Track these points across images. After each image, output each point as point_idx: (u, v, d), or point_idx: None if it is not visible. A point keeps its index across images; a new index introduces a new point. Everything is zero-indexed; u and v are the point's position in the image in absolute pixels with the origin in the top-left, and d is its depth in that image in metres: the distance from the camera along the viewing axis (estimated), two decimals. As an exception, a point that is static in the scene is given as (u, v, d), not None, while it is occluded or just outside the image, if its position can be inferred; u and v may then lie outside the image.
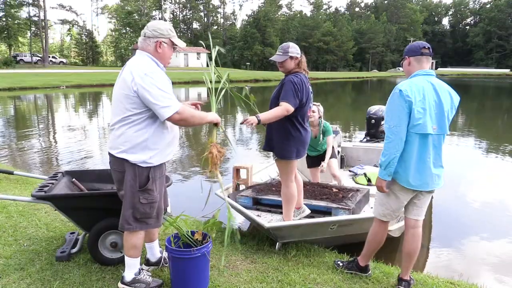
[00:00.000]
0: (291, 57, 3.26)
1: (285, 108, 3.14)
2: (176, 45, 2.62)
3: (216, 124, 2.69)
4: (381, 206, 2.83)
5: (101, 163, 7.60)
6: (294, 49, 3.28)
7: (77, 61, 69.97)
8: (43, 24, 49.98)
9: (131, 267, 2.65)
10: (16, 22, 49.20)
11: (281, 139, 3.32)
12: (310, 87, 3.38)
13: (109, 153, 2.58)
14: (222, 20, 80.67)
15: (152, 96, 2.36)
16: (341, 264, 3.16)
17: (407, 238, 2.84)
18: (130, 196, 2.54)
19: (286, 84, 3.22)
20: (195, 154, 8.80)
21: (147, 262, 3.00)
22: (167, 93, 2.40)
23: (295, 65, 3.30)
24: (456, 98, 2.71)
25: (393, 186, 2.73)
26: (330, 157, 4.95)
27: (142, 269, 2.80)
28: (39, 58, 49.66)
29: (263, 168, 5.48)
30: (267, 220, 3.83)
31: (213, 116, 2.65)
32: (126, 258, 2.65)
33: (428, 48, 2.69)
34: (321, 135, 4.88)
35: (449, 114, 2.67)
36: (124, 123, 2.47)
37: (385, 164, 2.62)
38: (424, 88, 2.59)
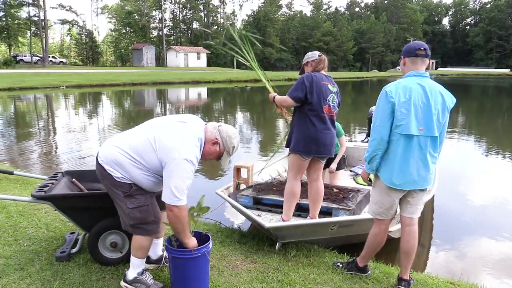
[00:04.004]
0: (306, 63, 3.65)
1: (286, 97, 3.52)
2: (220, 158, 2.65)
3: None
4: (374, 204, 2.86)
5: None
6: (306, 56, 3.68)
7: (77, 61, 69.87)
8: (43, 24, 49.88)
9: (135, 267, 2.66)
10: (16, 22, 49.09)
11: (293, 133, 3.56)
12: (328, 86, 3.50)
13: (97, 157, 2.59)
14: (222, 20, 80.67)
15: (174, 178, 2.36)
16: (340, 265, 3.16)
17: (404, 236, 2.85)
18: (117, 203, 2.58)
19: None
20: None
21: (147, 259, 3.00)
22: (186, 188, 2.41)
23: (312, 68, 3.60)
24: (450, 100, 2.69)
25: (382, 184, 2.76)
26: (339, 169, 5.12)
27: (147, 269, 2.80)
28: (39, 58, 49.60)
29: (264, 167, 5.48)
30: (268, 220, 3.83)
31: (193, 243, 2.57)
32: (131, 257, 2.66)
33: (425, 49, 2.68)
34: None
35: (440, 116, 2.64)
36: (131, 160, 2.48)
37: (368, 160, 2.77)
38: (411, 89, 2.60)
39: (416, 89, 2.61)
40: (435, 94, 2.64)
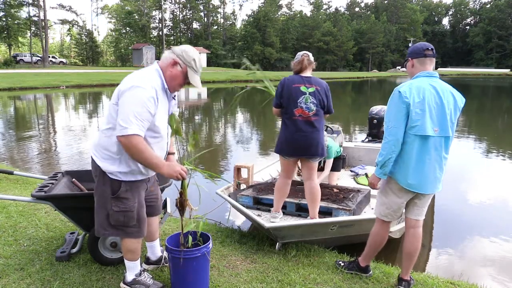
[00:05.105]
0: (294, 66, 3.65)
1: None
2: (188, 79, 2.47)
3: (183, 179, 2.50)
4: (381, 206, 2.84)
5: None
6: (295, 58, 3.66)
7: (77, 61, 69.84)
8: (43, 24, 49.82)
9: (131, 269, 2.66)
10: (16, 22, 49.07)
11: None
12: (301, 87, 3.46)
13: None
14: (222, 20, 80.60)
15: (122, 109, 2.26)
16: (342, 264, 3.16)
17: (407, 238, 2.84)
18: (102, 202, 2.51)
19: None
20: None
21: (147, 260, 3.00)
22: (136, 116, 2.22)
23: (294, 70, 3.61)
24: (461, 100, 2.69)
25: (393, 186, 2.74)
26: (338, 169, 5.29)
27: (145, 270, 2.80)
28: (39, 58, 49.55)
29: (264, 167, 5.48)
30: (268, 220, 3.83)
31: (169, 169, 2.37)
32: (125, 260, 2.65)
33: (432, 49, 2.68)
34: None
35: (452, 116, 2.64)
36: (108, 131, 2.43)
37: (381, 164, 2.66)
38: (424, 90, 2.59)
39: (429, 89, 2.60)
40: (447, 94, 2.63)
